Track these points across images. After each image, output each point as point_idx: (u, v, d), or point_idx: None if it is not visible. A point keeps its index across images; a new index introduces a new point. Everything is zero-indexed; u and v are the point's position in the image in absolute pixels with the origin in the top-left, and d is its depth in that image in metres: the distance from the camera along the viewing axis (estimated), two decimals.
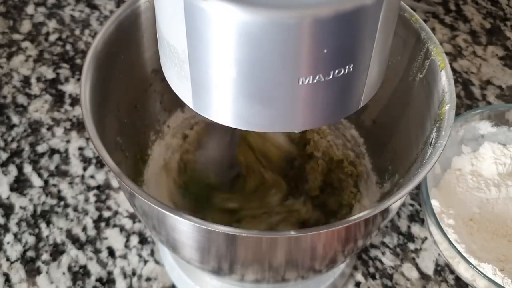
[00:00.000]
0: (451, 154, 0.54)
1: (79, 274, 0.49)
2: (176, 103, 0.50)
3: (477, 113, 0.54)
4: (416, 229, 0.53)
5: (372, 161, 0.49)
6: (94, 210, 0.53)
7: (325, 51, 0.25)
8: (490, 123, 0.55)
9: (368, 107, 0.46)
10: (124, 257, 0.50)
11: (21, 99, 0.61)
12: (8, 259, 0.50)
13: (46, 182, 0.55)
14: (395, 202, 0.32)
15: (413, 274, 0.50)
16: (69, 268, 0.49)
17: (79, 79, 0.62)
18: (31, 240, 0.51)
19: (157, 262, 0.50)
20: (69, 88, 0.62)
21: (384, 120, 0.47)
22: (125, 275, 0.49)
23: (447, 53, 0.66)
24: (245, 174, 0.48)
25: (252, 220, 0.46)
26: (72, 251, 0.50)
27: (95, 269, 0.49)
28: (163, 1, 0.26)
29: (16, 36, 0.67)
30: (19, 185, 0.54)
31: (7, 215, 0.52)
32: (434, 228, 0.48)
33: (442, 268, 0.51)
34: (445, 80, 0.37)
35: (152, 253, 0.50)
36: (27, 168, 0.55)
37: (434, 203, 0.49)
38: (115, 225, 0.52)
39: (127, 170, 0.44)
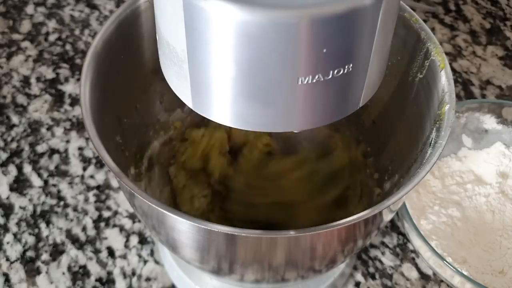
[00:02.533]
0: (449, 140, 0.54)
1: (78, 274, 0.49)
2: (176, 103, 0.50)
3: (483, 102, 0.53)
4: None
5: (372, 161, 0.49)
6: (93, 210, 0.53)
7: (324, 50, 0.25)
8: (495, 119, 0.54)
9: (368, 107, 0.46)
10: (124, 257, 0.50)
11: (21, 99, 0.61)
12: (8, 259, 0.50)
13: (45, 182, 0.55)
14: (395, 202, 0.32)
15: (413, 274, 0.50)
16: (69, 268, 0.49)
17: (79, 79, 0.62)
18: (30, 240, 0.51)
19: (157, 262, 0.50)
20: (69, 88, 0.62)
21: (384, 120, 0.47)
22: (124, 275, 0.49)
23: (447, 53, 0.66)
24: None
25: None
26: (72, 251, 0.50)
27: (94, 269, 0.49)
28: (163, 1, 0.26)
29: (16, 36, 0.67)
30: (19, 185, 0.54)
31: (6, 215, 0.52)
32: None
33: None
34: (445, 80, 0.37)
35: (152, 253, 0.50)
36: (27, 168, 0.55)
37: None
38: (114, 225, 0.52)
39: (127, 170, 0.44)
